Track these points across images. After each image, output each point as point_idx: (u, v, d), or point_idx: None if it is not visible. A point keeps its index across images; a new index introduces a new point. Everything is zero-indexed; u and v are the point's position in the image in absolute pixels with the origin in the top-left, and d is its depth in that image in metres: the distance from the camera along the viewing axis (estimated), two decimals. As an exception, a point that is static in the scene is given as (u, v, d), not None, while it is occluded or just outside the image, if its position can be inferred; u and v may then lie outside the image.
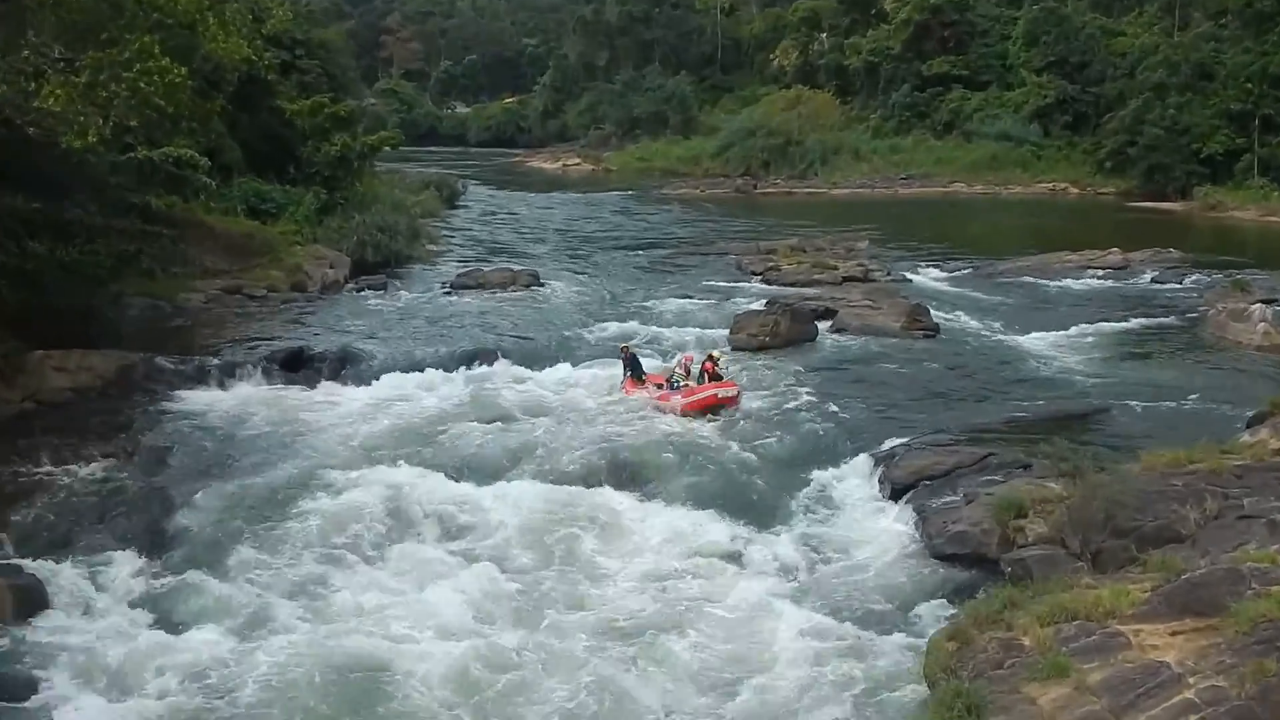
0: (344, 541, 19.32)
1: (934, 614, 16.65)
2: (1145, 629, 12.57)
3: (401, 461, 22.87)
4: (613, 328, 34.31)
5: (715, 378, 26.39)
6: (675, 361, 27.87)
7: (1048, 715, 11.38)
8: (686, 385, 26.17)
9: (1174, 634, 12.37)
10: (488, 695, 14.61)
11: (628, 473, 22.54)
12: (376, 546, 19.22)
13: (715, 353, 27.73)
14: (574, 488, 21.68)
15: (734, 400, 26.14)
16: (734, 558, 19.10)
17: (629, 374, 27.46)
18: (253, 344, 30.65)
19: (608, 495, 21.41)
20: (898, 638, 16.14)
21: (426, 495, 21.09)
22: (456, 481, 21.93)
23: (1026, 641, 13.08)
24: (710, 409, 25.59)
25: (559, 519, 20.27)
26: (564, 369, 30.02)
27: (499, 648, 15.59)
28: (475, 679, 14.83)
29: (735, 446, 24.04)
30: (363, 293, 40.18)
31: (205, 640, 15.77)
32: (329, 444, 24.06)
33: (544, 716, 14.25)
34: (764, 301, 37.45)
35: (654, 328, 34.83)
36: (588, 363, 30.28)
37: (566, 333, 33.95)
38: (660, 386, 26.47)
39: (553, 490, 21.49)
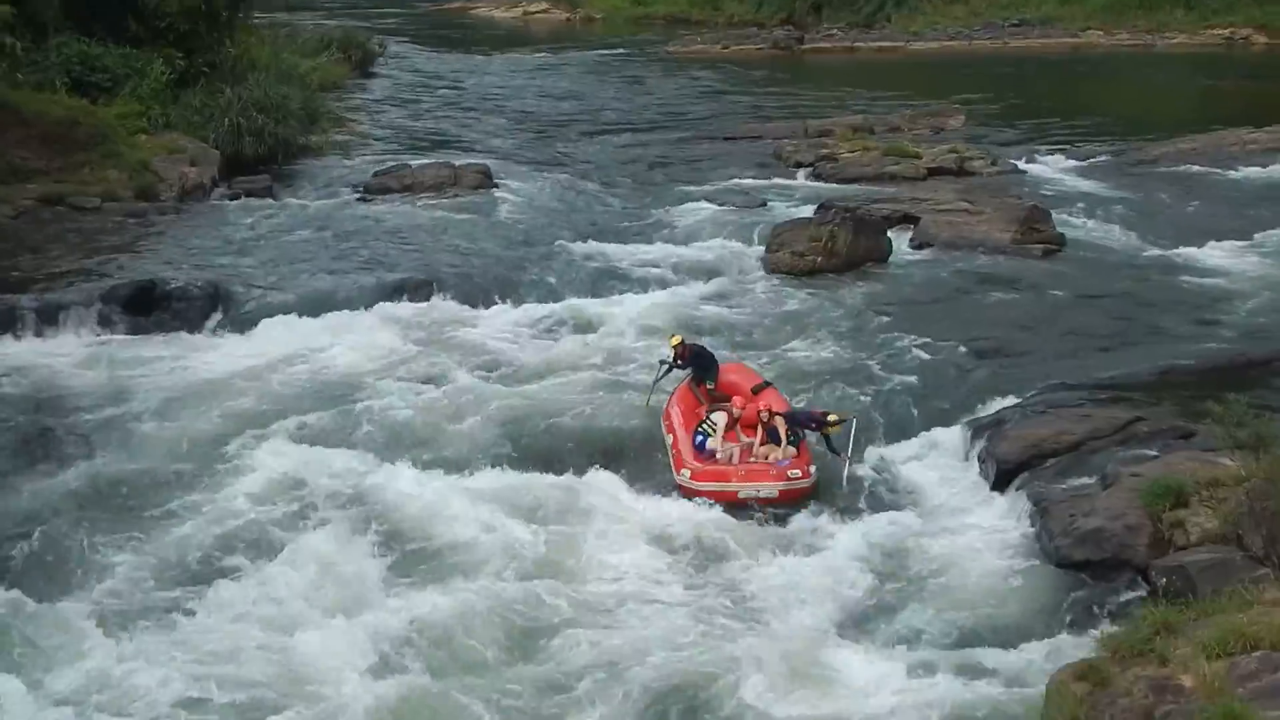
0: (206, 561, 19.52)
1: (1056, 644, 16.75)
2: (1356, 661, 12.73)
3: (297, 441, 23.12)
4: (598, 251, 34.39)
5: (772, 435, 22.15)
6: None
7: (1218, 782, 11.57)
8: (717, 444, 22.29)
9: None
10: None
11: (617, 453, 22.92)
12: (267, 551, 19.61)
13: (833, 416, 22.34)
14: (545, 475, 22.04)
15: (795, 494, 21.32)
16: (770, 565, 19.46)
17: (694, 381, 24.21)
18: (82, 277, 30.66)
19: (595, 484, 21.78)
20: (1003, 677, 16.26)
21: (333, 487, 21.39)
22: (380, 463, 22.32)
23: (1187, 681, 13.20)
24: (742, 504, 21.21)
25: (532, 512, 20.74)
26: (526, 309, 30.31)
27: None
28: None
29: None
30: (239, 201, 39.99)
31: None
32: (193, 418, 24.22)
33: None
34: (815, 207, 37.37)
35: (655, 250, 34.77)
36: (558, 300, 30.64)
37: (530, 255, 34.07)
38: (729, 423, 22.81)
39: (519, 478, 21.90)
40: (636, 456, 23.02)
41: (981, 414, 23.50)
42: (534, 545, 19.84)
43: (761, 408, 22.45)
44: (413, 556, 19.73)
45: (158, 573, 19.07)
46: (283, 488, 21.25)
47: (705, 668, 16.76)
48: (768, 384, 24.14)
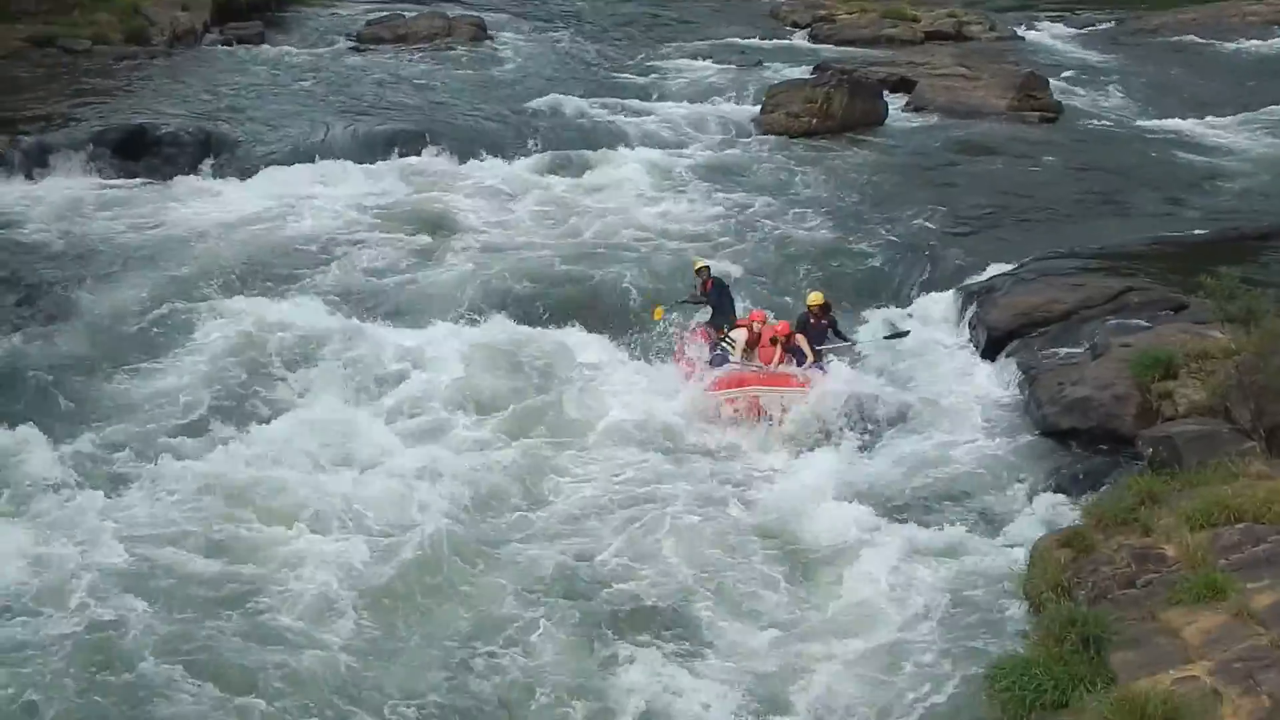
0: (209, 405, 19.42)
1: (1042, 512, 16.79)
2: (1339, 535, 12.72)
3: (289, 290, 22.95)
4: (592, 108, 33.96)
5: (791, 357, 20.70)
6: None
7: (1195, 651, 11.53)
8: (731, 361, 20.86)
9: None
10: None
11: (607, 304, 22.99)
12: (254, 411, 19.40)
13: (814, 295, 21.38)
14: (537, 329, 21.96)
15: (778, 405, 20.05)
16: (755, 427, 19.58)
17: (710, 325, 22.01)
18: (73, 120, 30.32)
19: (578, 343, 21.73)
20: (990, 544, 16.32)
21: (326, 339, 21.20)
22: (370, 320, 22.07)
23: (1170, 550, 13.22)
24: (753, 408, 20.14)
25: (518, 372, 20.56)
26: (517, 164, 30.05)
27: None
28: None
29: (757, 273, 24.39)
30: (230, 47, 39.69)
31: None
32: (186, 265, 24.03)
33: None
34: (811, 68, 36.94)
35: (648, 107, 34.37)
36: (551, 156, 30.34)
37: (523, 109, 33.66)
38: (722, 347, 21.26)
39: (510, 332, 21.75)
40: (621, 319, 22.89)
41: (973, 281, 23.38)
42: (512, 400, 19.80)
43: (779, 330, 20.68)
44: (395, 411, 19.63)
45: (139, 421, 18.95)
46: (266, 339, 21.05)
47: (688, 520, 16.87)
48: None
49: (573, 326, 22.27)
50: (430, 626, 14.65)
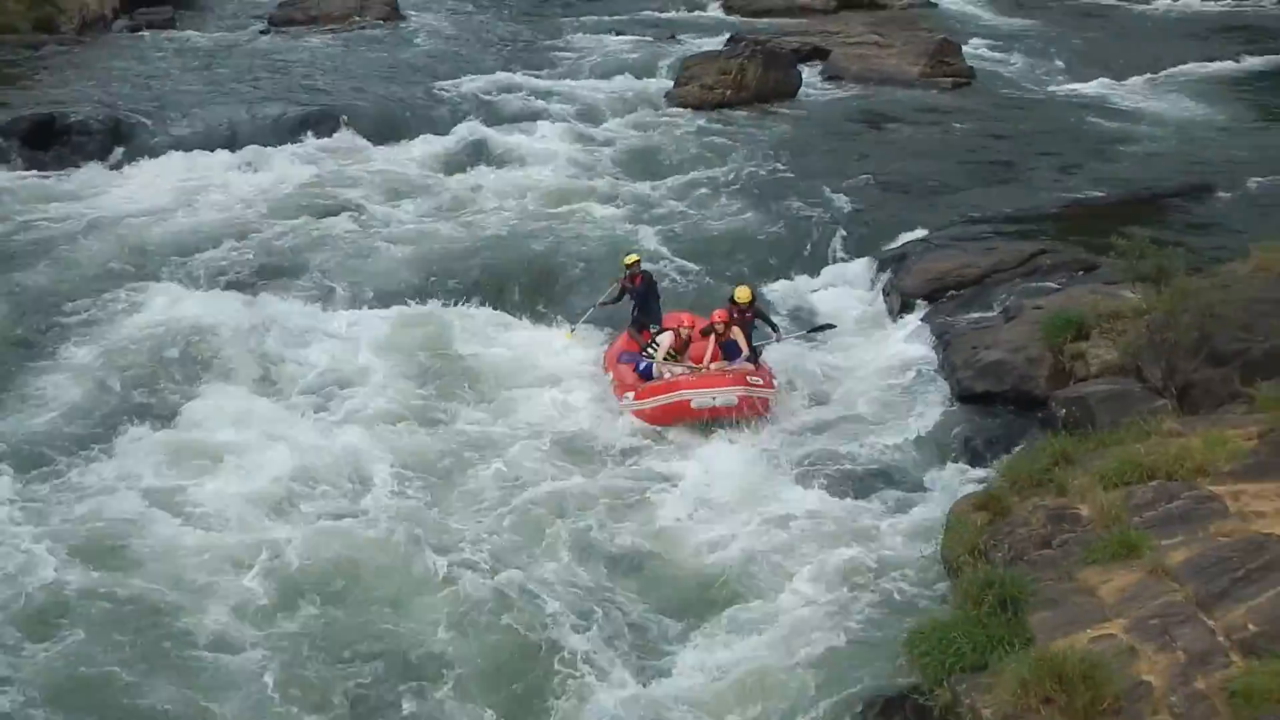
0: (118, 397, 19.08)
1: (957, 476, 16.81)
2: (1248, 490, 12.65)
3: (203, 278, 22.62)
4: (506, 83, 33.67)
5: (727, 352, 19.40)
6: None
7: (1111, 608, 11.52)
8: (660, 363, 19.48)
9: (1288, 496, 12.53)
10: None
11: (524, 285, 22.79)
12: (164, 401, 19.05)
13: (742, 289, 19.93)
14: (450, 310, 21.78)
15: (753, 407, 18.68)
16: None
17: (634, 326, 20.83)
18: (-22, 111, 29.61)
19: (497, 321, 21.61)
20: (905, 508, 16.32)
21: (239, 325, 20.84)
22: (282, 304, 21.80)
23: (1084, 510, 13.20)
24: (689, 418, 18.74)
25: (432, 352, 20.41)
26: (431, 142, 29.85)
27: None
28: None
29: (674, 245, 24.14)
30: (141, 32, 39.14)
31: None
32: (95, 253, 23.62)
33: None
34: (725, 40, 36.79)
35: (564, 84, 34.14)
36: (465, 133, 30.10)
37: (437, 89, 33.38)
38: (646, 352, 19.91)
39: (419, 313, 21.59)
40: (536, 298, 22.70)
41: (887, 247, 23.43)
42: (429, 377, 19.69)
43: (715, 318, 19.38)
44: (315, 393, 19.36)
45: (45, 416, 18.49)
46: (176, 326, 20.64)
47: (621, 488, 16.94)
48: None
49: (486, 307, 22.08)
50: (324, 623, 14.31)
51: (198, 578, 14.70)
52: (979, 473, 16.55)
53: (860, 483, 17.08)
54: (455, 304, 22.01)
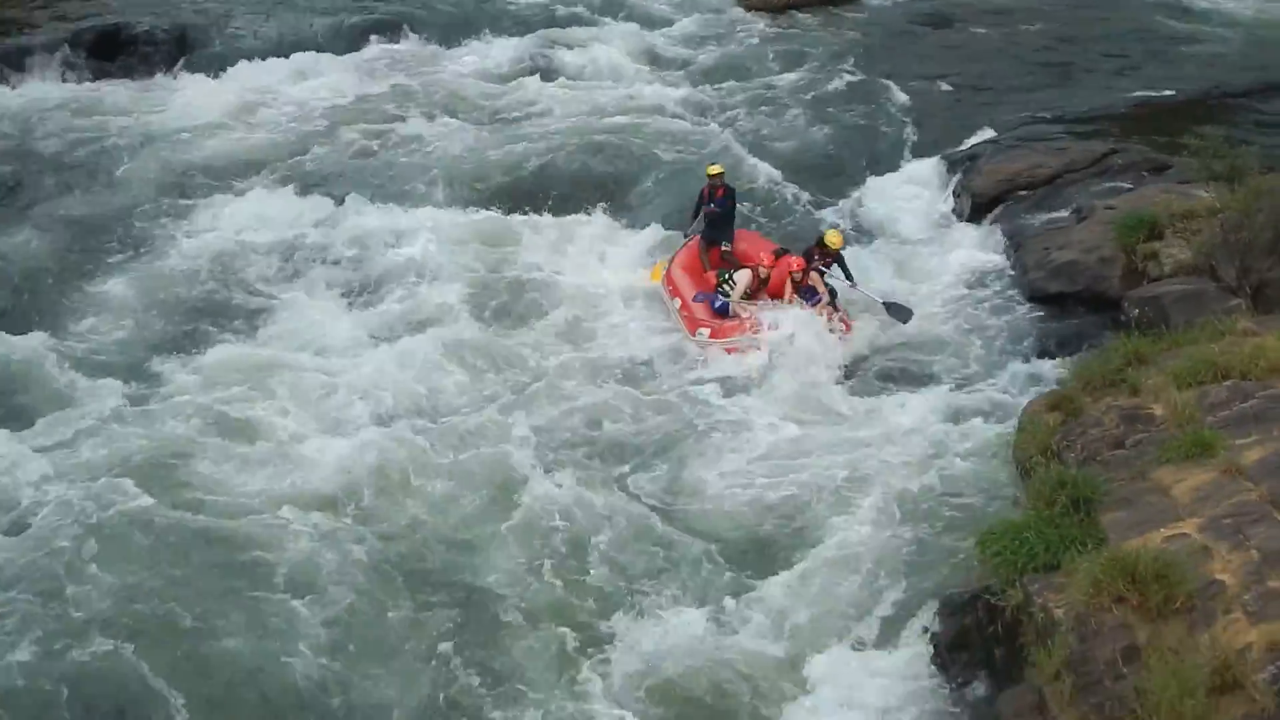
0: (197, 298, 19.41)
1: (1031, 376, 16.82)
2: (1324, 389, 12.66)
3: (273, 183, 22.77)
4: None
5: (806, 293, 18.83)
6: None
7: (1185, 508, 11.48)
8: (736, 304, 18.94)
9: (1364, 393, 12.42)
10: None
11: (594, 187, 22.65)
12: (235, 312, 19.28)
13: (833, 234, 19.46)
14: (521, 216, 21.83)
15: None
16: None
17: (705, 242, 20.25)
18: (48, 22, 29.60)
19: (559, 226, 21.62)
20: (979, 410, 16.29)
21: (315, 228, 21.15)
22: (350, 211, 21.87)
23: (1158, 410, 13.17)
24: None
25: (502, 255, 20.50)
26: (496, 49, 29.56)
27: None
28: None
29: (743, 145, 23.94)
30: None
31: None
32: (167, 161, 23.74)
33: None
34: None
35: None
36: (529, 40, 29.84)
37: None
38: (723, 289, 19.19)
39: (488, 223, 21.58)
40: (606, 205, 22.46)
41: (959, 148, 23.18)
42: (495, 288, 19.74)
43: (793, 264, 18.82)
44: (383, 304, 19.50)
45: (117, 327, 18.81)
46: (244, 236, 20.91)
47: (685, 415, 16.88)
48: (785, 250, 19.58)
49: (554, 216, 22.01)
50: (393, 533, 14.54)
51: (269, 499, 14.87)
52: (1052, 373, 16.53)
53: (931, 386, 17.10)
54: (524, 213, 22.01)
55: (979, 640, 12.08)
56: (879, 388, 17.31)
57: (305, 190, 22.69)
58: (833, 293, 18.85)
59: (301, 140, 24.71)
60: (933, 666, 12.13)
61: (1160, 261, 17.79)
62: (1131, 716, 9.70)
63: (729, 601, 13.31)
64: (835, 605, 13.16)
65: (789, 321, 18.14)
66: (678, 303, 19.07)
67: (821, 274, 18.90)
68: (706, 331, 18.40)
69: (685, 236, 20.38)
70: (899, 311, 18.58)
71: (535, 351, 18.20)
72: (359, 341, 18.29)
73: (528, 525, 14.41)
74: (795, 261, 18.79)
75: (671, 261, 19.90)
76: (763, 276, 18.97)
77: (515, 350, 18.24)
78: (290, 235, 20.97)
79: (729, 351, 18.10)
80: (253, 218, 21.43)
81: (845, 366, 17.90)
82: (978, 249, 20.36)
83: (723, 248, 19.96)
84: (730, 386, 17.43)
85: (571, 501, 14.72)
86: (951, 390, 16.95)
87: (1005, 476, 14.42)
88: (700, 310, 18.78)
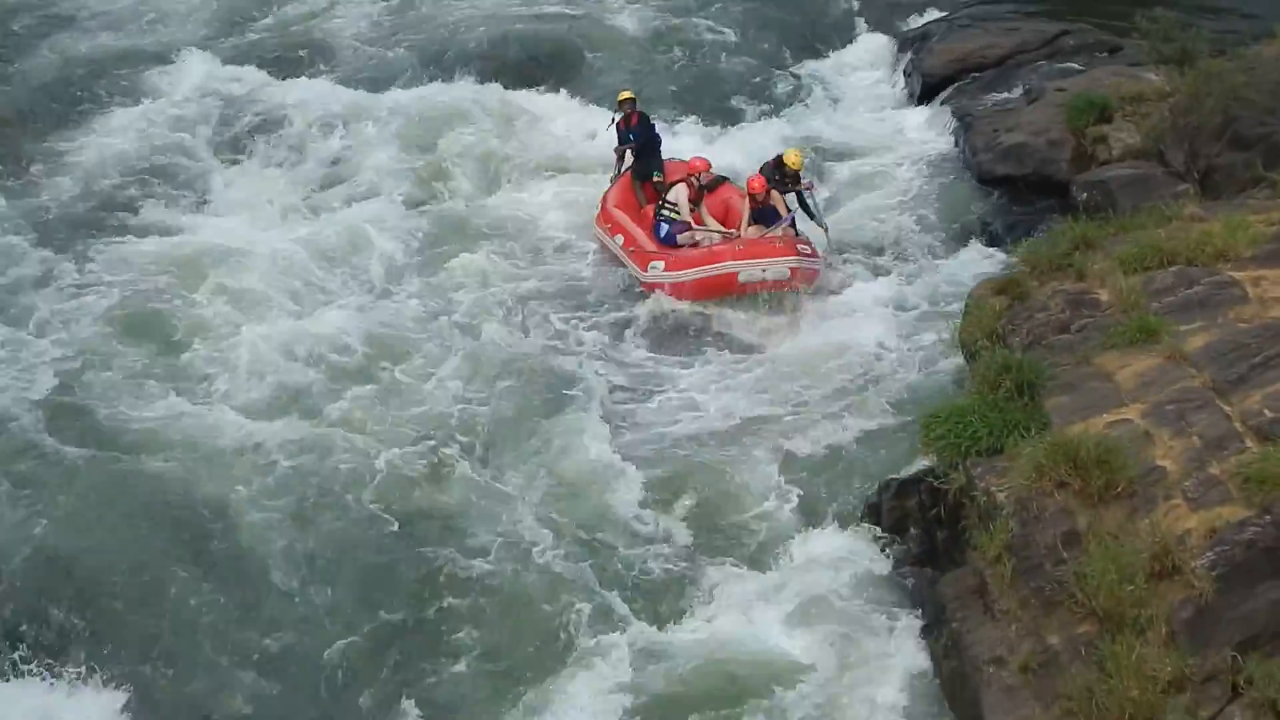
0: (152, 165, 19.17)
1: (978, 260, 16.76)
2: (1268, 276, 12.52)
3: (209, 56, 22.33)
4: None
5: (762, 217, 17.13)
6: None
7: (1128, 394, 11.48)
8: (687, 228, 17.39)
9: (1309, 282, 12.43)
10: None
11: (542, 61, 22.40)
12: (199, 172, 19.10)
13: (793, 153, 17.50)
14: (469, 90, 21.46)
15: (807, 279, 16.60)
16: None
17: (635, 175, 18.58)
18: None
19: (524, 96, 21.33)
20: (922, 292, 16.32)
21: (251, 103, 20.77)
22: (303, 82, 21.60)
23: (1103, 295, 13.12)
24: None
25: (448, 132, 20.18)
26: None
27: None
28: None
29: (693, 23, 23.53)
30: None
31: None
32: (117, 22, 23.47)
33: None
34: None
35: None
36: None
37: None
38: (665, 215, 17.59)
39: (445, 90, 21.34)
40: (553, 80, 22.12)
41: (909, 27, 22.99)
42: (439, 166, 19.52)
43: (756, 178, 17.12)
44: (332, 175, 19.40)
45: (89, 178, 18.76)
46: (183, 107, 20.66)
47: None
48: (724, 178, 18.14)
49: (506, 89, 21.62)
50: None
51: (211, 363, 14.97)
52: (998, 256, 16.51)
53: (876, 264, 17.07)
54: (474, 84, 21.66)
55: (921, 523, 12.19)
56: (829, 261, 17.20)
57: (242, 62, 22.28)
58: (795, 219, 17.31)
59: (244, 10, 24.22)
60: (875, 549, 12.19)
61: (1109, 145, 17.75)
62: (1071, 600, 9.82)
63: (672, 505, 13.32)
64: (781, 491, 13.23)
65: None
66: (620, 239, 17.45)
67: (783, 193, 17.15)
68: (661, 265, 16.62)
69: (611, 180, 18.65)
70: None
71: (476, 233, 18.08)
72: (293, 219, 18.18)
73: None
74: (756, 181, 16.99)
75: (604, 200, 18.24)
76: (698, 185, 17.38)
77: (455, 230, 18.15)
78: (224, 110, 20.70)
79: (689, 287, 16.39)
80: (188, 90, 21.16)
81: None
82: (927, 130, 20.24)
83: (654, 179, 18.22)
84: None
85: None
86: (898, 274, 16.93)
87: (950, 358, 14.44)
88: (645, 239, 17.15)
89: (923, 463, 12.28)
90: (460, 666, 11.44)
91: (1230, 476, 10.12)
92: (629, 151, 18.45)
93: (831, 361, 14.91)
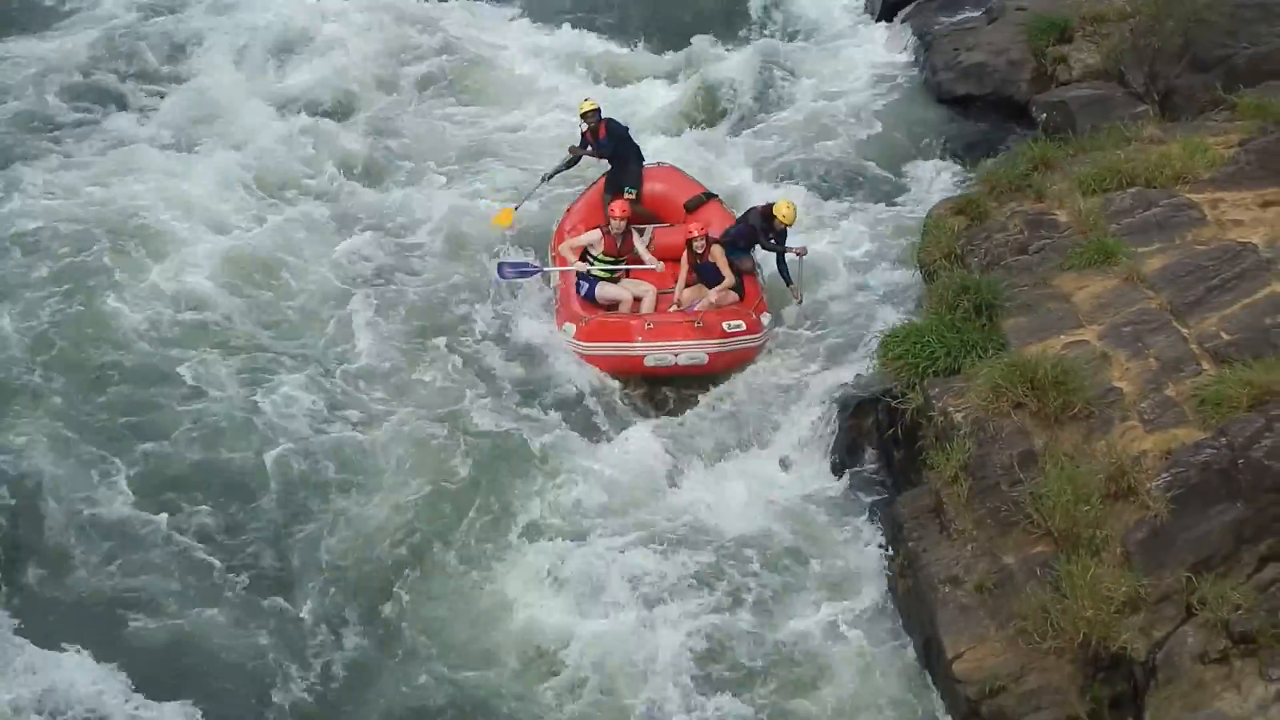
0: (90, 70, 18.93)
1: (937, 180, 16.62)
2: (1227, 199, 12.55)
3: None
4: None
5: (706, 273, 14.24)
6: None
7: (1086, 315, 11.47)
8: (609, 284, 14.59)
9: (1266, 205, 12.34)
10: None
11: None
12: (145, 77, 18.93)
13: (785, 206, 14.20)
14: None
15: (730, 361, 13.80)
16: (654, 96, 19.13)
17: (608, 187, 15.72)
18: None
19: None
20: (880, 213, 16.14)
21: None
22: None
23: (1062, 216, 13.09)
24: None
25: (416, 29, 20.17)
26: None
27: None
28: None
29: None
30: None
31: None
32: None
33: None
34: None
35: None
36: None
37: None
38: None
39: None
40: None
41: (871, -56, 22.51)
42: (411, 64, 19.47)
43: (694, 230, 14.24)
44: (286, 80, 19.18)
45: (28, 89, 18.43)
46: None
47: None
48: (711, 196, 15.72)
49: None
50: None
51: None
52: (957, 176, 16.40)
53: (834, 184, 16.90)
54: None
55: (878, 443, 12.16)
56: (786, 180, 16.97)
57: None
58: (751, 270, 14.51)
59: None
60: (831, 468, 12.14)
61: (1069, 65, 17.65)
62: (1027, 520, 9.85)
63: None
64: (740, 413, 13.19)
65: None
66: (556, 278, 14.81)
67: (740, 255, 14.35)
68: (573, 327, 14.00)
69: (542, 181, 16.18)
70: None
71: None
72: (257, 120, 17.93)
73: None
74: (696, 227, 14.27)
75: (568, 212, 15.76)
76: (615, 233, 14.42)
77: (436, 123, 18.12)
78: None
79: (595, 361, 13.90)
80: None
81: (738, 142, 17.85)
82: (887, 48, 20.04)
83: (627, 194, 15.41)
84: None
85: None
86: (855, 193, 16.76)
87: (908, 278, 14.37)
88: (570, 293, 14.48)
89: (880, 382, 12.18)
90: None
91: (1186, 399, 10.17)
92: (601, 159, 15.94)
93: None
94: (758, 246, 14.33)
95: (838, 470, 12.18)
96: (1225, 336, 10.64)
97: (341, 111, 18.41)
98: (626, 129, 16.02)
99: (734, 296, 14.08)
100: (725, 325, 13.61)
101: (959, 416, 10.78)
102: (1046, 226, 13.05)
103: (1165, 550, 9.20)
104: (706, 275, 14.14)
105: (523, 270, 14.78)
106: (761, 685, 10.26)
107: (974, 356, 11.34)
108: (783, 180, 16.81)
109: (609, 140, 15.70)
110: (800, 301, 14.28)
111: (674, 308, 14.09)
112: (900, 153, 17.52)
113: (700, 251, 14.04)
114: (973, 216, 13.65)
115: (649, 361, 13.58)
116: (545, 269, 14.80)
